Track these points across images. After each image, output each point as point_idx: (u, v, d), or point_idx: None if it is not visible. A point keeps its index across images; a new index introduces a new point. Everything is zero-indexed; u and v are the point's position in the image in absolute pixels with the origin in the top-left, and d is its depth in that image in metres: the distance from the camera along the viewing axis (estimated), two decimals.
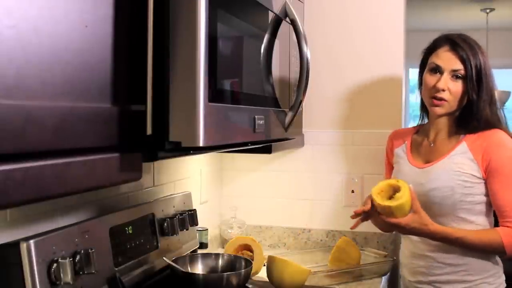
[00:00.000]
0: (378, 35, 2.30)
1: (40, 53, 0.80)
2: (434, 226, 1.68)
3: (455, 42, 1.77)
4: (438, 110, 1.78)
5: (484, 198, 1.75)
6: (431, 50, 1.83)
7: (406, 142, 1.94)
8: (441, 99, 1.76)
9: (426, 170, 1.81)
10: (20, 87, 0.76)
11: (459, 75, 1.75)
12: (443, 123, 1.83)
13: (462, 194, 1.73)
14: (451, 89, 1.75)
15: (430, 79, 1.79)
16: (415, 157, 1.88)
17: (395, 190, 1.67)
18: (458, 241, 1.71)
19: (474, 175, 1.74)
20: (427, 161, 1.84)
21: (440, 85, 1.74)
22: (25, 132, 0.76)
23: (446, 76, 1.75)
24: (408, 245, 1.88)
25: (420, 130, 1.96)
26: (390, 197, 1.68)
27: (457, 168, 1.75)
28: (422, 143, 1.90)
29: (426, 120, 1.94)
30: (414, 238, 1.83)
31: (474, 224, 1.75)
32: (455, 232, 1.71)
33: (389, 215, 1.66)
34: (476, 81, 1.74)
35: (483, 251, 1.75)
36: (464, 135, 1.79)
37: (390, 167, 2.02)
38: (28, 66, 0.77)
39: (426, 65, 1.83)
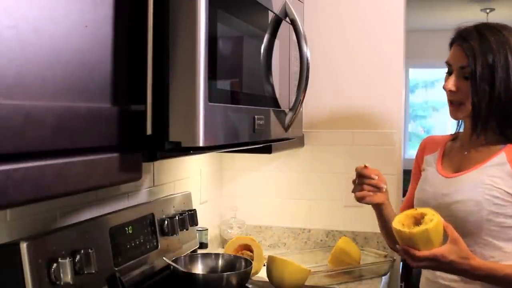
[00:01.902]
0: (378, 35, 2.30)
1: (40, 53, 0.80)
2: (476, 261, 1.38)
3: (467, 33, 1.50)
4: (455, 115, 1.56)
5: None
6: (450, 47, 1.58)
7: (439, 149, 1.67)
8: (454, 102, 1.53)
9: (453, 180, 1.55)
10: (20, 87, 0.76)
11: (467, 73, 1.48)
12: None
13: (491, 212, 1.45)
14: (463, 90, 1.50)
15: (445, 81, 1.55)
16: (445, 166, 1.62)
17: (417, 221, 1.39)
18: (506, 279, 1.40)
19: (509, 193, 1.45)
20: (458, 170, 1.57)
21: (447, 85, 1.52)
22: (25, 131, 0.76)
23: (455, 75, 1.51)
24: (425, 271, 1.62)
25: (458, 136, 1.67)
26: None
27: (489, 181, 1.47)
28: (457, 151, 1.63)
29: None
30: None
31: (502, 252, 1.46)
32: (502, 268, 1.41)
33: (424, 245, 1.34)
34: (488, 81, 1.45)
35: None
36: (505, 144, 1.51)
37: (417, 177, 1.72)
38: (28, 66, 0.77)
39: None
